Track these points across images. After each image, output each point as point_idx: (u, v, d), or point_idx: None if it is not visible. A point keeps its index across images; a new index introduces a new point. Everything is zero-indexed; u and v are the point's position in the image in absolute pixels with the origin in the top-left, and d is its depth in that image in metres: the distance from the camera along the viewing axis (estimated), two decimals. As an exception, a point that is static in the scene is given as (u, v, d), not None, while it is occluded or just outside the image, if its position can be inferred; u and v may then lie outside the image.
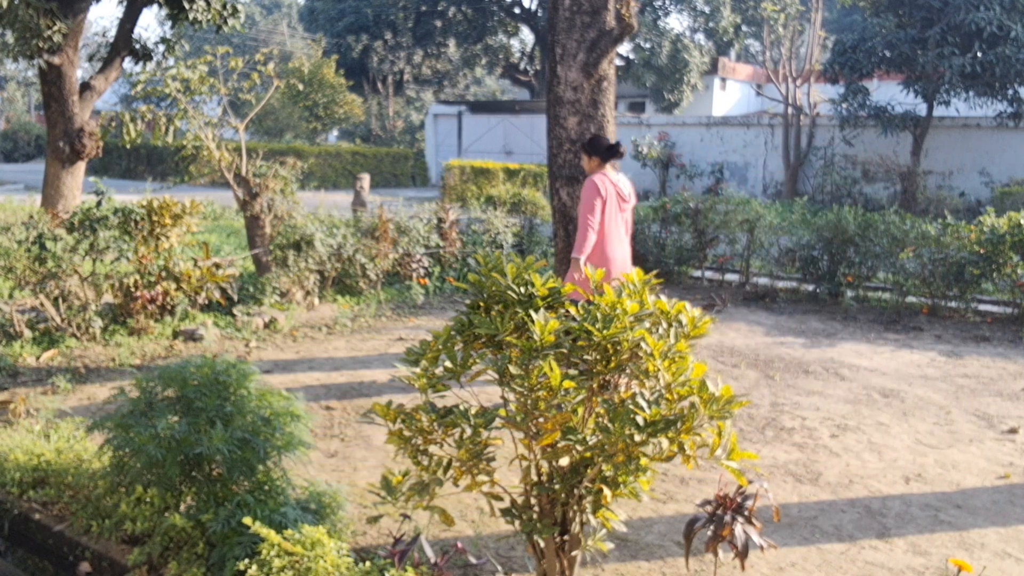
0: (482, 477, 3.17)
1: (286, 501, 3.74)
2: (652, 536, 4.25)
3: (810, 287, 10.61)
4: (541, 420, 2.96)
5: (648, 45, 29.97)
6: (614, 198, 5.90)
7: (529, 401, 2.94)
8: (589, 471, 3.07)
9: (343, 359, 7.42)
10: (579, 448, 2.99)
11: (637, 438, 2.85)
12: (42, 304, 7.49)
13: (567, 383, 2.91)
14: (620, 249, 5.98)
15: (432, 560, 3.42)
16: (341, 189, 26.10)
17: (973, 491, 4.92)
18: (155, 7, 12.28)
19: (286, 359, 7.35)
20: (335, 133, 39.43)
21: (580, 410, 3.11)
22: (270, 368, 6.98)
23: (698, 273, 11.75)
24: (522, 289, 3.17)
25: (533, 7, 35.26)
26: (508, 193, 15.06)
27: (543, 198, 14.81)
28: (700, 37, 32.92)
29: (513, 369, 2.94)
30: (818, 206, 17.64)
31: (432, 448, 3.21)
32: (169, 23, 12.56)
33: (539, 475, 3.17)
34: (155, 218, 8.54)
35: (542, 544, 3.27)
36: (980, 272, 9.35)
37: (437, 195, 23.43)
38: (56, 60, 11.26)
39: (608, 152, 5.93)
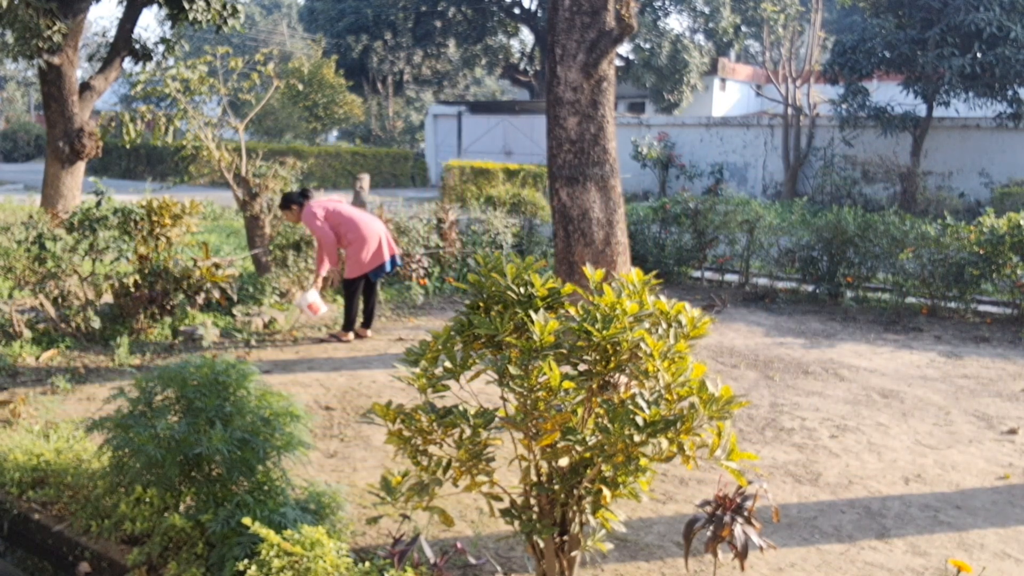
0: (481, 477, 3.17)
1: (285, 501, 3.74)
2: (651, 536, 4.25)
3: (810, 288, 10.61)
4: (541, 420, 2.96)
5: (648, 45, 29.97)
6: (334, 209, 7.71)
7: (529, 401, 2.94)
8: (589, 471, 3.08)
9: (342, 359, 7.42)
10: (579, 448, 2.99)
11: (637, 438, 2.86)
12: (42, 304, 7.49)
13: (567, 383, 2.91)
14: (375, 225, 7.84)
15: (432, 560, 3.42)
16: (341, 189, 26.08)
17: (972, 492, 4.92)
18: (155, 7, 12.28)
19: (286, 359, 7.35)
20: (335, 133, 39.43)
21: (580, 410, 3.11)
22: (270, 368, 6.98)
23: (698, 274, 11.75)
24: (522, 289, 3.17)
25: (533, 7, 35.26)
26: (508, 193, 15.07)
27: (543, 198, 14.82)
28: (700, 37, 32.93)
29: (513, 369, 2.95)
30: (818, 207, 17.64)
31: (432, 448, 3.21)
32: (169, 23, 12.56)
33: (538, 475, 3.17)
34: (155, 218, 8.54)
35: (541, 544, 3.27)
36: (980, 273, 9.35)
37: (437, 195, 23.43)
38: (56, 60, 11.26)
39: (301, 196, 7.91)
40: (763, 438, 5.70)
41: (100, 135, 11.97)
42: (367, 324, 8.24)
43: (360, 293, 8.07)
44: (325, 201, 7.94)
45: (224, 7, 12.24)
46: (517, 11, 35.44)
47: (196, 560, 3.67)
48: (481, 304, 3.26)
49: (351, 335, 8.05)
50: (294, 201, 7.94)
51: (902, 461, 5.35)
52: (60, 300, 7.64)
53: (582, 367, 3.13)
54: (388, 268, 8.02)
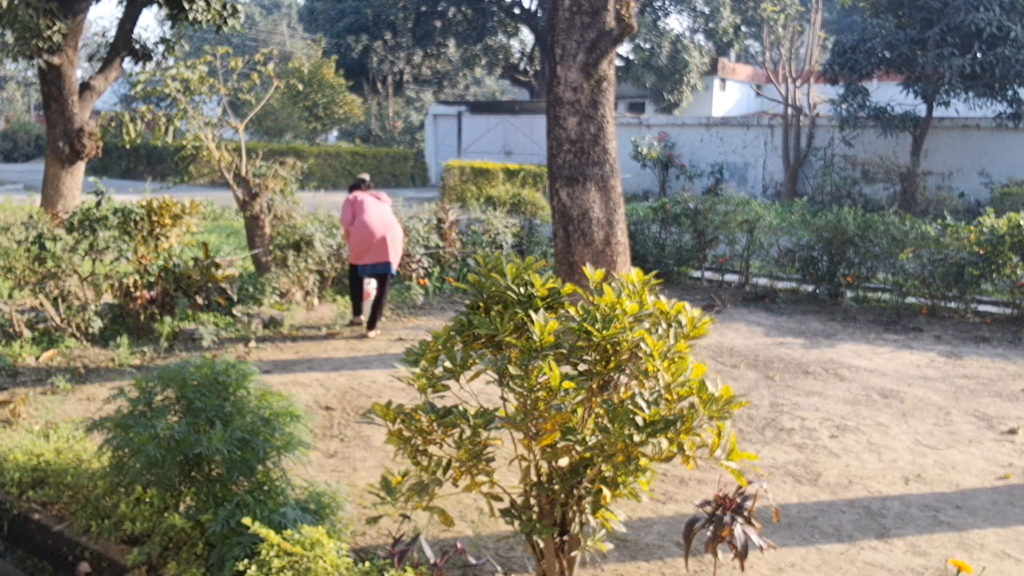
0: (481, 477, 3.17)
1: (285, 501, 3.74)
2: (651, 536, 4.25)
3: (810, 288, 10.61)
4: (540, 420, 2.96)
5: (648, 45, 29.97)
6: (360, 199, 8.18)
7: (529, 401, 2.94)
8: (588, 471, 3.08)
9: (342, 359, 7.42)
10: (578, 448, 2.99)
11: (636, 438, 2.86)
12: (42, 304, 7.49)
13: (566, 383, 2.91)
14: (378, 224, 8.07)
15: (431, 560, 3.42)
16: (341, 189, 26.10)
17: (972, 492, 4.92)
18: (155, 7, 12.28)
19: (286, 359, 7.35)
20: (335, 133, 39.42)
21: (579, 410, 3.11)
22: (270, 368, 6.98)
23: (698, 274, 11.75)
24: (522, 289, 3.17)
25: (533, 7, 35.24)
26: (508, 193, 15.06)
27: (543, 198, 14.81)
28: (700, 37, 32.92)
29: (513, 369, 2.94)
30: (818, 207, 17.64)
31: (432, 448, 3.21)
32: (169, 23, 12.56)
33: (538, 475, 3.17)
34: (155, 218, 8.54)
35: (541, 544, 3.27)
36: (980, 273, 9.35)
37: (437, 195, 23.43)
38: (56, 60, 11.26)
39: (355, 187, 8.43)
40: (763, 438, 5.70)
41: (100, 135, 11.96)
42: (371, 325, 8.33)
43: (359, 282, 8.35)
44: (370, 192, 8.42)
45: (224, 7, 12.24)
46: (517, 11, 35.42)
47: (196, 560, 3.67)
48: (481, 304, 3.26)
49: (361, 317, 8.43)
50: (353, 190, 8.48)
51: (902, 461, 5.35)
52: (60, 300, 7.64)
53: (582, 367, 3.13)
54: (369, 271, 8.11)
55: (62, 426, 5.28)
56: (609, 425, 2.88)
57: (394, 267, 8.24)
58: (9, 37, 10.96)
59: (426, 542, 3.50)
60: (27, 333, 7.34)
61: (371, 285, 8.37)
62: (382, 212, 8.19)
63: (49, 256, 7.62)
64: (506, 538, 3.93)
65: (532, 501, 3.22)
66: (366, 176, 8.60)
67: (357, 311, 8.48)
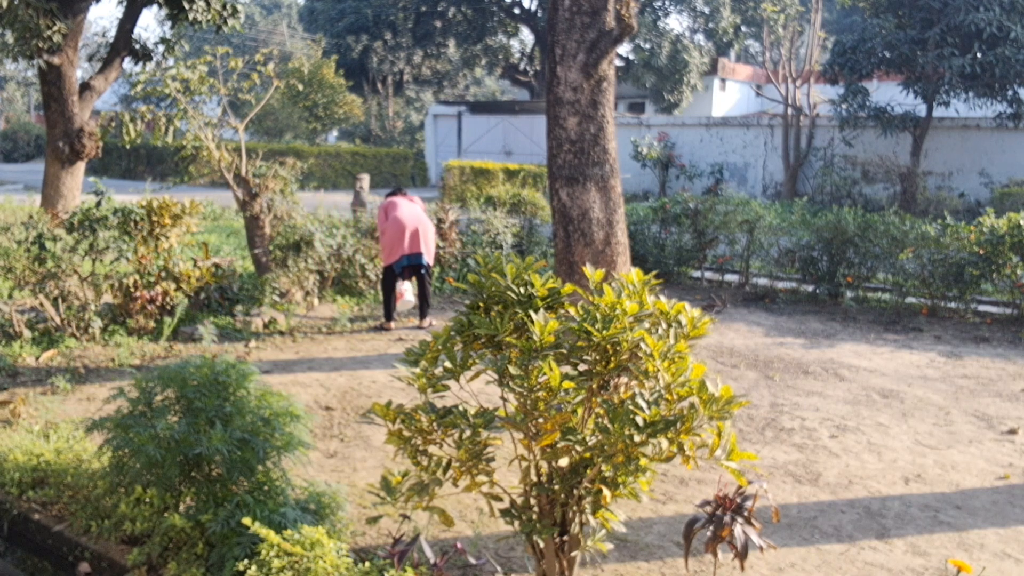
0: (481, 477, 3.17)
1: (285, 501, 3.74)
2: (651, 536, 4.25)
3: (810, 288, 10.61)
4: (541, 420, 2.96)
5: (648, 46, 29.96)
6: (394, 201, 8.61)
7: (529, 401, 2.94)
8: (588, 471, 3.08)
9: (342, 359, 7.42)
10: (579, 448, 2.99)
11: (637, 438, 2.85)
12: (42, 304, 7.49)
13: (567, 383, 2.91)
14: (409, 220, 8.38)
15: (431, 560, 3.42)
16: (341, 189, 26.11)
17: (972, 492, 4.92)
18: (155, 7, 12.28)
19: (286, 359, 7.35)
20: (335, 133, 39.42)
21: (580, 410, 3.11)
22: (270, 368, 6.98)
23: (698, 274, 11.75)
24: (522, 289, 3.17)
25: (533, 7, 35.23)
26: (508, 193, 15.06)
27: (543, 198, 14.81)
28: (700, 38, 32.91)
29: (513, 369, 2.94)
30: (818, 207, 17.62)
31: (432, 448, 3.21)
32: (169, 23, 12.56)
33: (538, 475, 3.17)
34: (155, 218, 8.54)
35: (541, 544, 3.27)
36: (980, 273, 9.35)
37: (437, 195, 23.42)
38: (56, 60, 11.25)
39: (392, 194, 8.87)
40: (763, 438, 5.70)
41: (100, 135, 11.96)
42: (423, 315, 8.69)
43: (393, 285, 8.50)
44: (405, 196, 8.79)
45: (224, 7, 12.23)
46: (517, 11, 35.40)
47: (196, 560, 3.67)
48: (481, 304, 3.26)
49: (391, 323, 8.55)
50: (389, 197, 8.85)
51: (902, 461, 5.35)
52: (60, 300, 7.64)
53: (582, 367, 3.13)
54: (404, 261, 8.34)
55: (62, 426, 5.28)
56: (609, 425, 2.88)
57: (427, 259, 8.44)
58: (9, 37, 10.95)
59: (426, 542, 3.50)
60: (27, 333, 7.34)
61: (404, 287, 8.54)
62: (413, 210, 8.58)
63: (49, 256, 7.63)
64: (506, 538, 3.93)
65: (532, 501, 3.22)
66: (365, 176, 8.68)
67: (388, 316, 8.57)
